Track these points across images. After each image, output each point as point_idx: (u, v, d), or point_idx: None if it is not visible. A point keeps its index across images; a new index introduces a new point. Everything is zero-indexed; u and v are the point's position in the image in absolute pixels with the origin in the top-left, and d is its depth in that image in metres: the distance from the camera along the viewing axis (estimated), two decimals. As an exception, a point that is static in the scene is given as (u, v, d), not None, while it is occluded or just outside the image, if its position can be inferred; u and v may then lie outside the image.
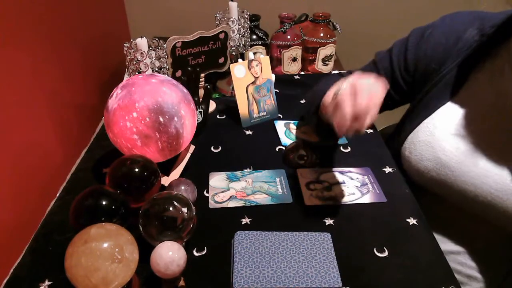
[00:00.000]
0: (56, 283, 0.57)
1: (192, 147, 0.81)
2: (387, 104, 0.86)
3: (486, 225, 0.69)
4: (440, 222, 0.74)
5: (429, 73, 0.75)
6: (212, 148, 0.86)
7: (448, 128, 0.71)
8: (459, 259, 0.72)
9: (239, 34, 1.00)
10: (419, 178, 0.75)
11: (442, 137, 0.70)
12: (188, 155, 0.79)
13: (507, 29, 0.66)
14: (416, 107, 0.78)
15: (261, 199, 0.72)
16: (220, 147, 0.87)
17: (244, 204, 0.71)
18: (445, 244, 0.73)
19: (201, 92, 0.91)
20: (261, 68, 0.93)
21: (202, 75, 0.95)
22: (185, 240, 0.56)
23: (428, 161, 0.72)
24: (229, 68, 0.92)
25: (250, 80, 0.92)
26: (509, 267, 0.69)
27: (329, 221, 0.68)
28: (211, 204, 0.71)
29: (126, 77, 1.01)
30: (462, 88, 0.71)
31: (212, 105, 1.02)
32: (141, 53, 0.81)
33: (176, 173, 0.74)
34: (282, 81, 1.13)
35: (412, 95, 0.80)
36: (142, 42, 0.81)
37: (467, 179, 0.67)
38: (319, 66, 1.22)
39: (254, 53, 1.14)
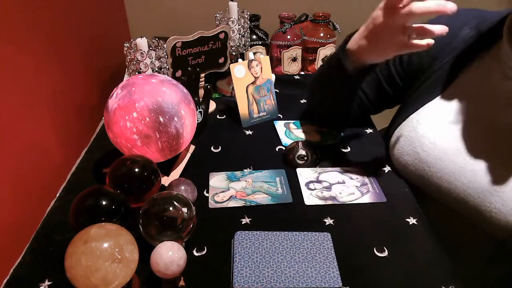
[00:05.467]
0: (56, 283, 0.57)
1: (192, 147, 0.81)
2: (386, 102, 0.87)
3: (463, 221, 0.70)
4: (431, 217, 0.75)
5: (422, 69, 0.76)
6: (212, 148, 0.86)
7: (430, 124, 0.72)
8: None
9: (239, 34, 1.00)
10: (403, 172, 0.77)
11: (423, 132, 0.72)
12: (188, 155, 0.79)
13: (499, 29, 0.66)
14: (405, 103, 0.79)
15: (261, 199, 0.72)
16: (220, 147, 0.87)
17: (244, 204, 0.71)
18: None
19: (201, 92, 0.91)
20: (261, 68, 0.93)
21: (202, 75, 0.95)
22: (185, 240, 0.56)
23: (408, 155, 0.74)
24: (229, 68, 0.92)
25: (250, 80, 0.92)
26: (488, 265, 0.70)
27: (329, 221, 0.68)
28: (211, 204, 0.71)
29: (126, 77, 1.01)
30: (451, 86, 0.72)
31: (212, 105, 1.02)
32: (141, 53, 0.81)
33: (176, 173, 0.74)
34: (282, 81, 1.13)
35: (406, 92, 0.80)
36: (142, 42, 0.81)
37: (443, 175, 0.69)
38: (319, 66, 1.22)
39: (254, 53, 1.14)
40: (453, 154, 0.68)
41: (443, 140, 0.70)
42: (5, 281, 0.59)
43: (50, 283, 0.57)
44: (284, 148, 0.85)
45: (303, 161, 0.80)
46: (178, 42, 0.87)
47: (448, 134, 0.70)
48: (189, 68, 0.90)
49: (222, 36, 0.94)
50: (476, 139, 0.67)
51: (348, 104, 0.83)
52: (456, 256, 0.71)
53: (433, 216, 0.73)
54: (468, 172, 0.66)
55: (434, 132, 0.71)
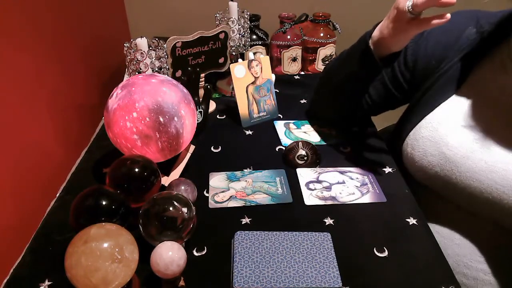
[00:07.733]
0: (56, 283, 0.57)
1: (192, 147, 0.81)
2: (390, 104, 0.87)
3: (491, 225, 0.68)
4: (442, 221, 0.74)
5: (428, 71, 0.75)
6: (212, 148, 0.86)
7: (452, 123, 0.70)
8: (464, 261, 0.71)
9: (239, 34, 1.00)
10: (422, 174, 0.74)
11: (446, 132, 0.70)
12: (188, 155, 0.79)
13: (506, 26, 0.67)
14: (417, 104, 0.78)
15: (261, 199, 0.72)
16: (220, 147, 0.87)
17: (244, 204, 0.71)
18: (450, 247, 0.72)
19: (201, 92, 0.91)
20: (261, 68, 0.93)
21: (202, 75, 0.95)
22: (185, 240, 0.56)
23: (432, 156, 0.71)
24: (229, 68, 0.92)
25: (250, 80, 0.92)
26: None
27: (329, 221, 0.68)
28: (211, 204, 0.71)
29: (126, 77, 1.01)
30: (464, 84, 0.71)
31: (212, 105, 1.02)
32: (141, 53, 0.81)
33: (176, 173, 0.74)
34: (282, 81, 1.13)
35: (412, 93, 0.80)
36: (142, 42, 0.81)
37: (472, 175, 0.66)
38: (319, 66, 1.22)
39: (254, 53, 1.14)
40: (481, 152, 0.66)
41: (468, 138, 0.68)
42: (5, 281, 0.59)
43: (50, 283, 0.57)
44: (284, 148, 0.85)
45: (303, 161, 0.80)
46: (178, 42, 0.87)
47: (471, 132, 0.68)
48: (189, 68, 0.90)
49: (222, 36, 0.94)
50: (499, 137, 0.66)
51: (360, 95, 0.82)
52: (486, 257, 0.69)
53: (447, 217, 0.73)
54: (501, 170, 0.63)
55: (457, 130, 0.69)
